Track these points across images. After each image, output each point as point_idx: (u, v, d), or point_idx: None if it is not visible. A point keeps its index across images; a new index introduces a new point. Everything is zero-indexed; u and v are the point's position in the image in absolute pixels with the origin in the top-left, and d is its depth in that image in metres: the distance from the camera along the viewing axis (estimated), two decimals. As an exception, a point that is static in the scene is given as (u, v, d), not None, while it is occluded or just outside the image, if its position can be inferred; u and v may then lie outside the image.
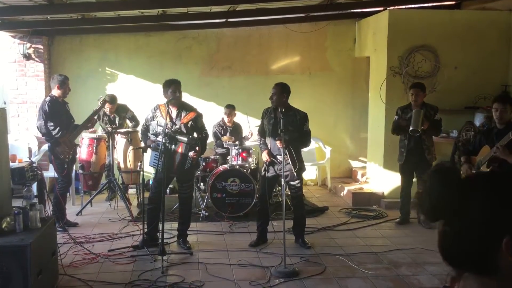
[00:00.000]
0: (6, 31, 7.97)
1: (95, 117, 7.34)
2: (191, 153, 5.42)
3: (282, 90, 5.63)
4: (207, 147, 6.00)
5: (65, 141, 6.28)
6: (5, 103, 8.40)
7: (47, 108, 6.22)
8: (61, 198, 6.28)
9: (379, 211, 7.38)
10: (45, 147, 7.10)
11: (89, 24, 8.01)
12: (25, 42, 8.29)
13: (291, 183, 5.72)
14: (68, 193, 7.73)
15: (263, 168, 5.89)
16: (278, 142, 5.45)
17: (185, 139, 5.37)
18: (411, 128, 6.06)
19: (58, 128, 6.23)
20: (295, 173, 5.64)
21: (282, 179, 5.29)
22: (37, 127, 6.34)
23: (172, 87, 5.48)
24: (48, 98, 6.36)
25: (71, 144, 6.38)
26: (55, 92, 6.37)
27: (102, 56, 8.86)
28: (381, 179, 7.89)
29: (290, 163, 5.51)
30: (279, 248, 5.49)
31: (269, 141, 5.76)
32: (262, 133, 5.88)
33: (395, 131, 6.58)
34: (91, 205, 7.36)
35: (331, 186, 8.95)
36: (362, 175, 8.78)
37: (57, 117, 6.27)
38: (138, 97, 8.68)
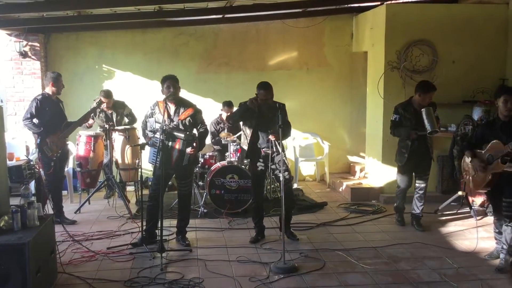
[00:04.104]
0: (2, 29, 7.94)
1: (91, 115, 7.32)
2: (188, 149, 5.40)
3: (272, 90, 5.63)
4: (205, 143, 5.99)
5: (53, 139, 6.24)
6: (1, 101, 8.38)
7: (33, 107, 6.19)
8: (46, 196, 5.97)
9: (378, 206, 7.38)
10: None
11: (85, 21, 7.97)
12: (21, 40, 8.26)
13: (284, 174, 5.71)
14: (66, 191, 7.74)
15: (249, 164, 5.87)
16: (271, 136, 5.45)
17: (181, 135, 5.34)
18: (429, 130, 5.82)
19: (44, 126, 6.20)
20: (286, 163, 5.63)
21: (281, 175, 5.27)
22: (23, 124, 6.32)
23: (167, 82, 5.45)
24: (40, 96, 6.32)
25: (60, 143, 6.34)
26: (49, 89, 6.32)
27: (99, 53, 8.83)
28: (380, 174, 7.89)
29: (282, 154, 5.51)
30: (278, 244, 5.49)
31: (249, 132, 5.71)
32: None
33: (400, 134, 6.20)
34: (89, 203, 7.34)
35: (330, 181, 8.95)
36: (361, 170, 8.78)
37: (45, 115, 6.23)
38: (135, 94, 8.66)
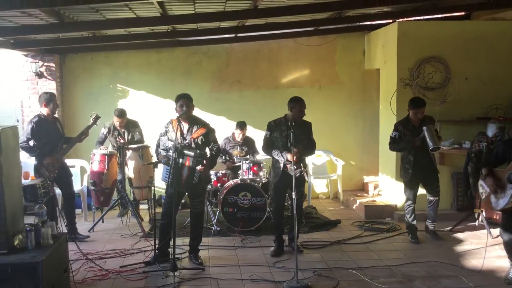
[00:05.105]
0: (19, 50, 8.07)
1: (107, 134, 7.38)
2: (198, 167, 5.42)
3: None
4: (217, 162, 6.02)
5: (50, 160, 6.28)
6: (17, 120, 8.50)
7: (29, 129, 6.24)
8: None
9: (392, 223, 7.30)
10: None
11: (100, 42, 8.08)
12: (37, 61, 8.40)
13: (299, 188, 5.86)
14: (80, 209, 7.79)
15: (273, 176, 5.92)
16: (289, 155, 5.63)
17: (191, 153, 5.36)
18: (432, 147, 5.97)
19: (41, 148, 6.25)
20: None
21: (293, 193, 5.26)
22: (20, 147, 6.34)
23: (180, 101, 5.51)
24: (36, 119, 6.34)
25: (57, 163, 6.37)
26: (43, 110, 6.37)
27: (113, 73, 8.94)
28: (394, 191, 7.82)
29: (303, 171, 5.85)
30: (291, 263, 5.45)
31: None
32: (269, 145, 5.93)
33: (402, 149, 6.39)
34: (103, 221, 7.37)
35: (343, 199, 8.90)
36: (374, 188, 8.71)
37: (42, 137, 6.28)
38: (149, 112, 8.74)
